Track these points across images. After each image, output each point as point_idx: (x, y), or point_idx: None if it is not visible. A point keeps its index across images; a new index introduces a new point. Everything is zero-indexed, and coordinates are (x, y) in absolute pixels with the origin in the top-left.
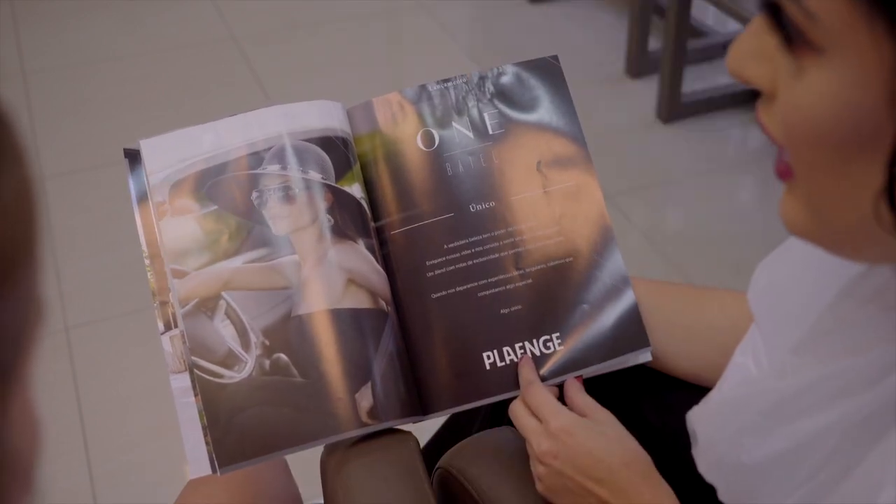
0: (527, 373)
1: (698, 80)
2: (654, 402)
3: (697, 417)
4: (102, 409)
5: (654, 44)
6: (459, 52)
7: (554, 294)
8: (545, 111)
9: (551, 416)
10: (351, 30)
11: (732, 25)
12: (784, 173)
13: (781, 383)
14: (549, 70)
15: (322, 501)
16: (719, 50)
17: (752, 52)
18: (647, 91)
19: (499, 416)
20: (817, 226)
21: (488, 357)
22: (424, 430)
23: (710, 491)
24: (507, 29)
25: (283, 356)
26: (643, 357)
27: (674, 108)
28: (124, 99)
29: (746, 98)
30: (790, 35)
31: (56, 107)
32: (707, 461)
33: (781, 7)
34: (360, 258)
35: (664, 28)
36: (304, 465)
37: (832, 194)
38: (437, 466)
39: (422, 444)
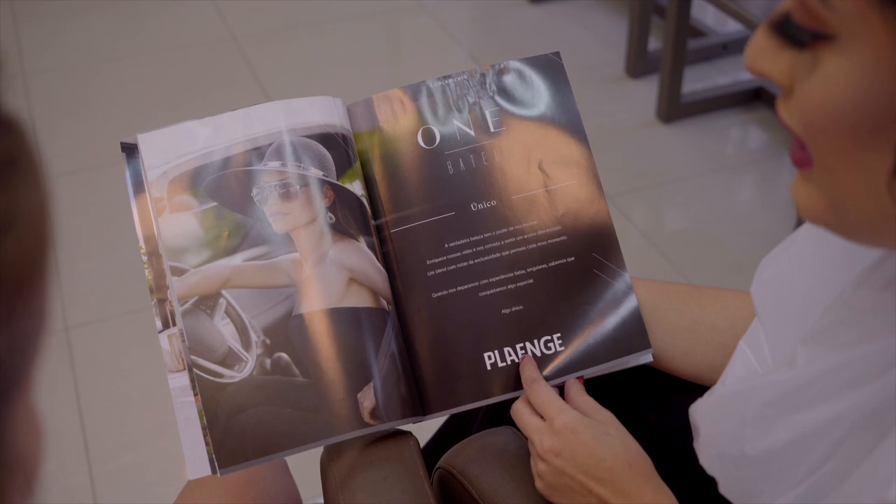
0: (529, 371)
1: (698, 80)
2: (653, 402)
3: (700, 411)
4: (102, 409)
5: (654, 44)
6: (460, 52)
7: (555, 294)
8: (547, 108)
9: (556, 413)
10: (351, 30)
11: (732, 25)
12: (800, 162)
13: (789, 374)
14: (551, 67)
15: (322, 501)
16: (719, 50)
17: (768, 49)
18: (647, 91)
19: (499, 415)
20: (834, 213)
21: (489, 357)
22: (424, 430)
23: (709, 491)
24: (507, 29)
25: (284, 355)
26: (644, 358)
27: (674, 108)
28: (124, 99)
29: (746, 98)
30: (801, 40)
31: (56, 107)
32: (709, 454)
33: (788, 16)
34: (361, 256)
35: (664, 28)
36: (304, 465)
37: (849, 181)
38: (437, 466)
39: (422, 444)
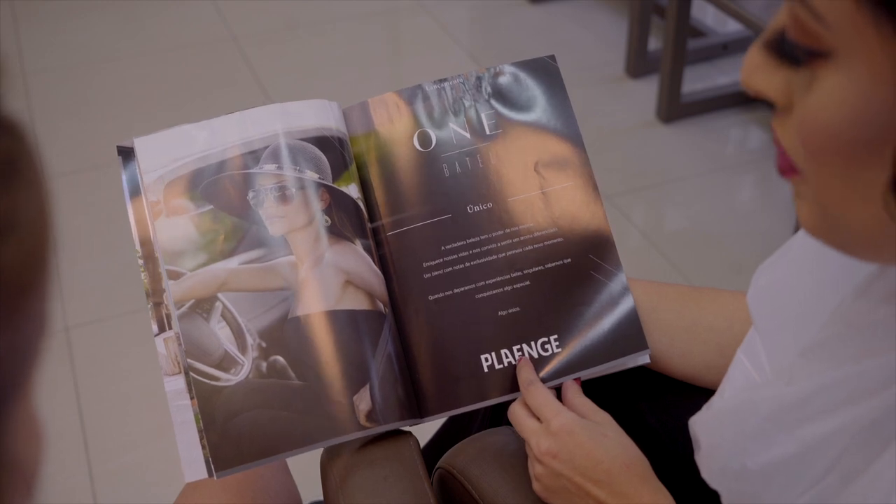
0: (526, 373)
1: (698, 80)
2: (652, 404)
3: (700, 424)
4: (102, 409)
5: (654, 44)
6: (459, 52)
7: (552, 296)
8: (542, 111)
9: (553, 415)
10: (351, 30)
11: (732, 25)
12: (786, 170)
13: (788, 388)
14: (546, 70)
15: (321, 500)
16: (719, 50)
17: (763, 66)
18: (647, 91)
19: (499, 415)
20: (833, 229)
21: (486, 359)
22: (424, 429)
23: (707, 493)
24: (508, 29)
25: (280, 358)
26: (642, 359)
27: (674, 108)
28: (125, 99)
29: (746, 98)
30: (797, 57)
31: (56, 107)
32: (710, 467)
33: (782, 34)
34: (357, 259)
35: (664, 28)
36: (304, 464)
37: (845, 197)
38: (437, 466)
39: (422, 444)
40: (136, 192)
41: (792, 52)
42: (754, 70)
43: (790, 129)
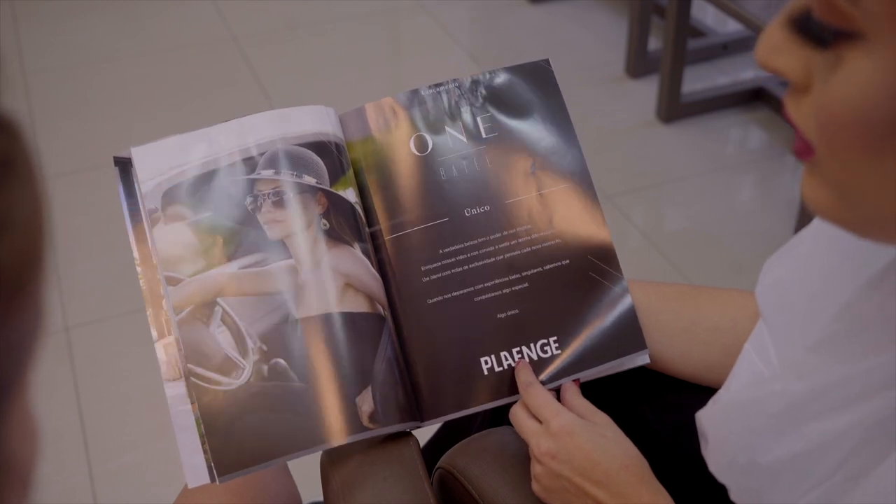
0: (525, 375)
1: (698, 80)
2: (652, 404)
3: (707, 418)
4: (102, 409)
5: (654, 44)
6: (460, 52)
7: (551, 298)
8: (537, 114)
9: (552, 416)
10: (351, 30)
11: (732, 25)
12: (803, 152)
13: (796, 385)
14: (540, 74)
15: (322, 500)
16: (719, 50)
17: (783, 43)
18: (647, 91)
19: (499, 416)
20: (846, 211)
21: (486, 362)
22: (424, 430)
23: (708, 493)
24: (507, 29)
25: (281, 361)
26: (641, 360)
27: (674, 108)
28: (124, 99)
29: (746, 98)
30: (823, 38)
31: (56, 107)
32: (718, 462)
33: (808, 13)
34: (356, 262)
35: (664, 28)
36: (304, 465)
37: (866, 181)
38: (437, 466)
39: (422, 444)
40: (133, 201)
41: (818, 31)
42: (773, 49)
43: (804, 109)
